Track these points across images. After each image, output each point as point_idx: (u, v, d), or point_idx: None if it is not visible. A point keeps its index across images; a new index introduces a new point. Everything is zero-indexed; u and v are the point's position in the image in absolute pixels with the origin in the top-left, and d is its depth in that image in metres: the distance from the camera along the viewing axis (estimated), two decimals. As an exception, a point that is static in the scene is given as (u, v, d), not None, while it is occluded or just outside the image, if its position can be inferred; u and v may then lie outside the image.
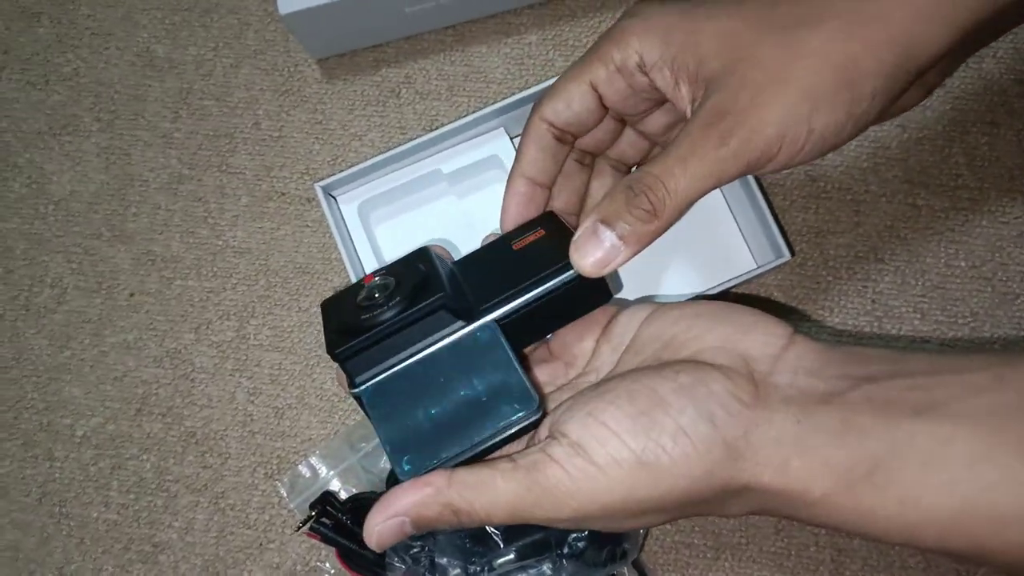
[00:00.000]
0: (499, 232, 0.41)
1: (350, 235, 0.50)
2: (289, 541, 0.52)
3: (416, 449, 0.33)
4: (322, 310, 0.38)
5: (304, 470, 0.51)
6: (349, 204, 0.51)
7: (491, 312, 0.35)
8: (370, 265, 0.50)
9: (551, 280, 0.35)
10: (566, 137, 0.39)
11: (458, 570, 0.42)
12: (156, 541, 0.53)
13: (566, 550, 0.41)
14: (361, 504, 0.47)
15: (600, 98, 0.37)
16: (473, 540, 0.40)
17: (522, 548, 0.41)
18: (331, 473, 0.50)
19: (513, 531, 0.40)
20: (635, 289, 0.50)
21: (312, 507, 0.47)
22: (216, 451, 0.53)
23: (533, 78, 0.56)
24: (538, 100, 0.38)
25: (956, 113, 0.53)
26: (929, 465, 0.27)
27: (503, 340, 0.34)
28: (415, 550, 0.43)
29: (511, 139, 0.51)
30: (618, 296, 0.50)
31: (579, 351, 0.37)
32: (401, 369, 0.35)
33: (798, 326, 0.42)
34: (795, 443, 0.29)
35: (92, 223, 0.57)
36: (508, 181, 0.39)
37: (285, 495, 0.51)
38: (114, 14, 0.60)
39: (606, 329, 0.37)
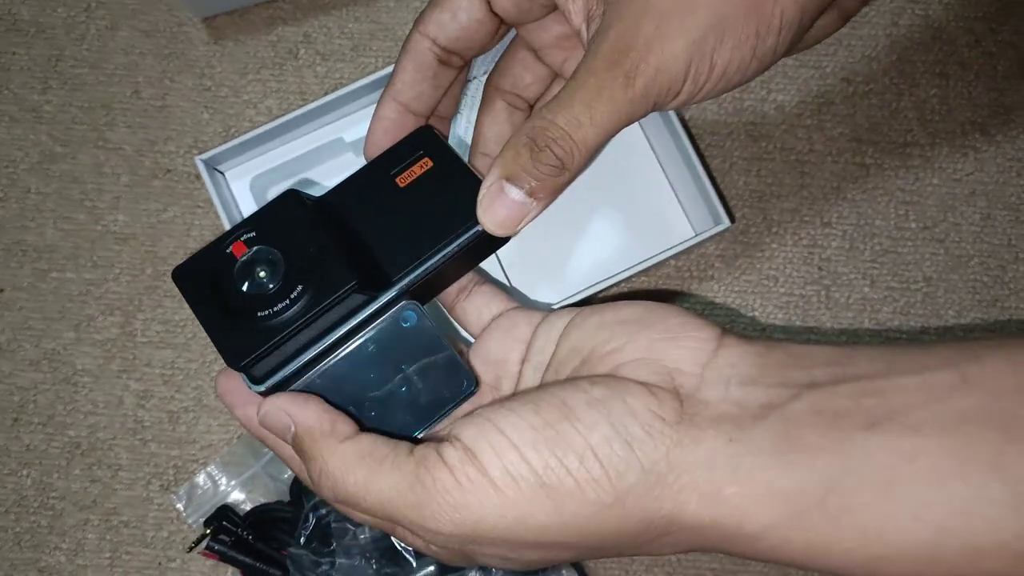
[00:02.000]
0: None
1: (241, 214, 0.45)
2: (191, 560, 0.46)
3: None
4: (182, 287, 0.32)
5: (202, 480, 0.46)
6: (240, 180, 0.45)
7: (401, 282, 0.31)
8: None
9: (460, 239, 0.31)
10: (451, 59, 0.33)
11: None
12: (42, 566, 0.47)
13: (490, 562, 0.36)
14: (264, 517, 0.42)
15: (489, 5, 0.32)
16: (382, 560, 0.36)
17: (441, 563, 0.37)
18: (233, 483, 0.45)
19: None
20: (567, 266, 0.46)
21: (207, 524, 0.41)
22: (105, 463, 0.48)
23: (447, 35, 0.50)
24: (421, 13, 0.33)
25: (904, 65, 0.49)
26: (892, 487, 0.23)
27: (429, 320, 0.31)
28: (323, 567, 0.38)
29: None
30: (543, 299, 0.45)
31: (503, 372, 0.32)
32: (324, 369, 0.31)
33: (737, 321, 0.38)
34: (729, 466, 0.24)
35: (-46, 211, 0.50)
36: (378, 103, 0.34)
37: (182, 509, 0.46)
38: (-31, -28, 0.52)
39: (529, 345, 0.32)
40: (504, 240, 0.32)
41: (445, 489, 0.25)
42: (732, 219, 0.42)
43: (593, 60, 0.28)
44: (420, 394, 0.31)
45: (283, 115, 0.43)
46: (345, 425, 0.28)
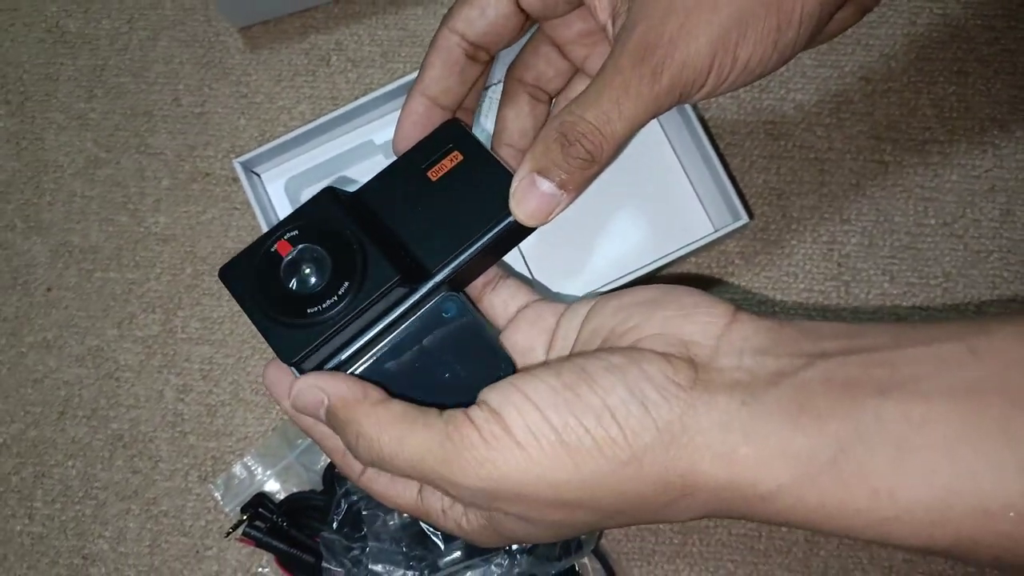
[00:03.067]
0: None
1: (277, 215, 0.47)
2: (227, 548, 0.48)
3: None
4: (229, 285, 0.33)
5: (239, 471, 0.47)
6: (275, 182, 0.47)
7: (440, 274, 0.33)
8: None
9: (494, 230, 0.33)
10: (479, 54, 0.34)
11: (406, 573, 0.38)
12: (86, 553, 0.49)
13: (515, 546, 0.37)
14: (298, 505, 0.44)
15: (517, 1, 0.33)
16: (411, 544, 0.37)
17: (469, 546, 0.38)
18: (268, 473, 0.47)
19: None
20: (589, 261, 0.47)
21: (244, 510, 0.43)
22: (146, 454, 0.50)
23: (473, 41, 0.52)
24: (449, 10, 0.34)
25: (923, 63, 0.50)
26: (903, 451, 0.24)
27: (470, 309, 0.33)
28: (354, 552, 0.39)
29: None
30: (564, 292, 0.46)
31: (530, 360, 0.34)
32: (371, 362, 0.32)
33: (759, 304, 0.38)
34: (742, 428, 0.25)
35: (4, 214, 0.52)
36: (407, 98, 0.35)
37: (219, 498, 0.47)
38: (20, -13, 0.55)
39: (553, 334, 0.33)
40: (531, 229, 0.33)
41: (472, 444, 0.27)
42: (751, 215, 0.43)
43: (620, 57, 0.29)
44: (462, 379, 0.32)
45: (316, 119, 0.45)
46: (375, 391, 0.30)
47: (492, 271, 0.35)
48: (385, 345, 0.33)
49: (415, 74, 0.44)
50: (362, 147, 0.47)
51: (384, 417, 0.29)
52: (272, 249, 0.33)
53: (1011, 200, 0.48)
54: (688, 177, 0.47)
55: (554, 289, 0.46)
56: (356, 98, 0.48)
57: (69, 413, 0.50)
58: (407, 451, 0.28)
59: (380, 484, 0.32)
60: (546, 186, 0.30)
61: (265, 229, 0.44)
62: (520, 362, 0.33)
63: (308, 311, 0.31)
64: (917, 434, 0.24)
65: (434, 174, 0.34)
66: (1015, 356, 0.24)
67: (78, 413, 0.50)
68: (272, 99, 0.52)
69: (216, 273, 0.51)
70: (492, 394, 0.28)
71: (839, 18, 0.32)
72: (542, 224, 0.31)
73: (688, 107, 0.44)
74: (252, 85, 0.52)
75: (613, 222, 0.47)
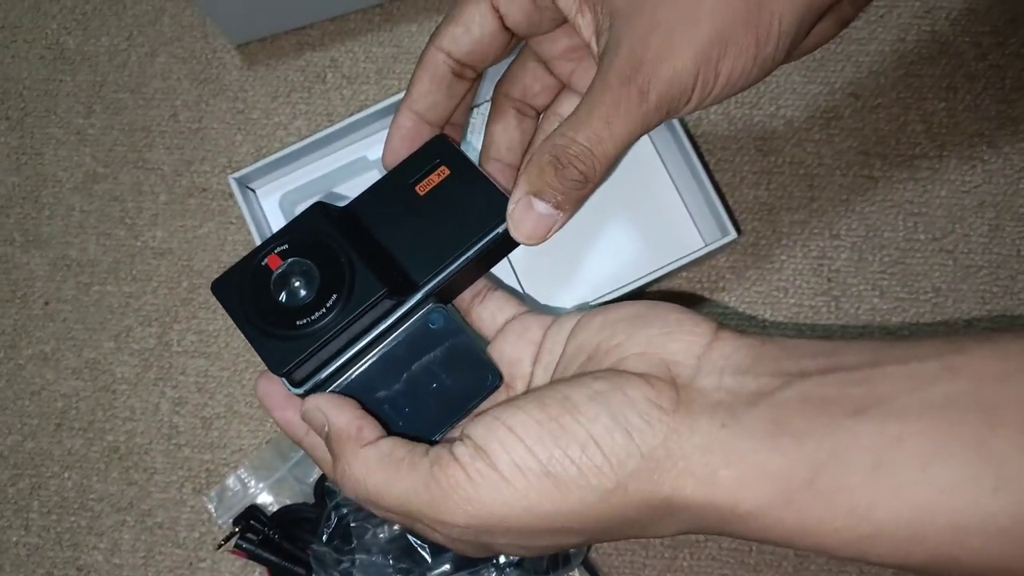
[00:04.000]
0: None
1: (271, 231, 0.47)
2: (221, 560, 0.48)
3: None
4: (222, 299, 0.34)
5: (232, 483, 0.48)
6: (270, 197, 0.48)
7: (427, 286, 0.34)
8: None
9: (480, 243, 0.34)
10: (465, 72, 0.35)
11: (389, 586, 0.39)
12: (81, 564, 0.50)
13: (502, 559, 0.38)
14: (289, 517, 0.44)
15: (502, 19, 0.34)
16: (399, 556, 0.37)
17: (457, 558, 0.38)
18: (261, 485, 0.47)
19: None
20: (579, 276, 0.47)
21: (235, 523, 0.43)
22: (141, 466, 0.50)
23: (467, 57, 0.52)
24: (436, 27, 0.35)
25: (911, 79, 0.50)
26: (879, 469, 0.24)
27: (457, 321, 0.34)
28: (344, 565, 0.40)
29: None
30: (554, 305, 0.47)
31: (517, 372, 0.34)
32: (358, 373, 0.33)
33: (749, 319, 0.39)
34: (722, 450, 0.26)
35: (4, 228, 0.53)
36: (395, 113, 0.36)
37: (213, 511, 0.48)
38: (21, 5, 0.56)
39: (540, 347, 0.34)
40: (516, 243, 0.34)
41: (458, 484, 0.27)
42: (739, 231, 0.44)
43: (608, 75, 0.29)
44: (449, 389, 0.33)
45: (310, 135, 0.45)
46: (371, 431, 0.31)
47: (480, 283, 0.36)
48: (373, 357, 0.33)
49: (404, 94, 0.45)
50: (356, 163, 0.47)
51: (372, 459, 0.29)
52: (263, 263, 0.33)
53: (1000, 215, 0.48)
54: (679, 193, 0.48)
55: (544, 302, 0.47)
56: (351, 114, 0.49)
57: (66, 425, 0.51)
58: (394, 494, 0.28)
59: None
60: (542, 207, 0.31)
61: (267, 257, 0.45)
62: (507, 373, 0.34)
63: (297, 323, 0.32)
64: (892, 451, 0.24)
65: (422, 188, 0.35)
66: (990, 373, 0.24)
67: (74, 425, 0.51)
68: (268, 115, 0.52)
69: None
70: (477, 429, 0.28)
71: (817, 31, 0.33)
72: (538, 243, 0.32)
73: (677, 124, 0.44)
74: (249, 101, 0.53)
75: (604, 236, 0.48)
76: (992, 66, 0.50)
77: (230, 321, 0.50)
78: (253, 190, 0.48)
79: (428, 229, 0.34)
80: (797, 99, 0.50)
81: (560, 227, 0.32)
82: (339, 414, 0.31)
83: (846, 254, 0.49)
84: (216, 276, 0.50)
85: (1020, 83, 0.49)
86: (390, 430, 0.32)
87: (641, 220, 0.48)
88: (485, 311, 0.36)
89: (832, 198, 0.49)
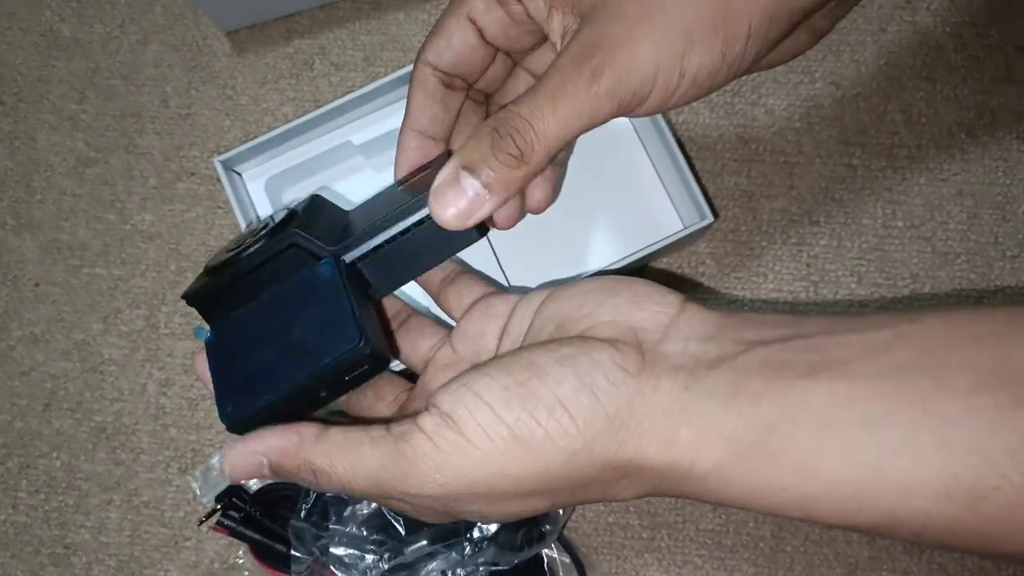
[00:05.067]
0: None
1: (257, 213, 0.48)
2: (206, 539, 0.49)
3: (242, 394, 0.31)
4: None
5: (217, 463, 0.48)
6: (256, 180, 0.48)
7: (346, 252, 0.32)
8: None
9: (405, 219, 0.32)
10: (455, 82, 0.36)
11: (369, 559, 0.39)
12: (68, 542, 0.50)
13: (477, 533, 0.38)
14: (272, 495, 0.45)
15: (481, 33, 0.34)
16: (375, 531, 0.38)
17: (432, 533, 0.39)
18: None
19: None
20: (560, 261, 0.48)
21: (218, 500, 0.44)
22: (128, 446, 0.51)
23: (453, 46, 0.53)
24: (422, 44, 0.35)
25: (891, 69, 0.51)
26: (826, 429, 0.25)
27: (340, 276, 0.31)
28: (323, 541, 0.40)
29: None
30: (521, 284, 0.47)
31: (483, 348, 0.34)
32: (244, 311, 0.33)
33: (729, 304, 0.39)
34: (683, 411, 0.26)
35: (-4, 212, 0.54)
36: (400, 136, 0.36)
37: (197, 490, 0.48)
38: (16, -7, 0.57)
39: (506, 324, 0.34)
40: (470, 237, 0.32)
41: (425, 455, 0.27)
42: (716, 214, 0.44)
43: (561, 58, 0.29)
44: (308, 344, 0.31)
45: (294, 115, 0.46)
46: (307, 427, 0.30)
47: (450, 267, 0.36)
48: (262, 297, 0.33)
49: (393, 75, 0.45)
50: (341, 148, 0.48)
51: (330, 448, 0.29)
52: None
53: (978, 204, 0.49)
54: (660, 178, 0.48)
55: (523, 283, 0.47)
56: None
57: (55, 405, 0.52)
58: (362, 476, 0.29)
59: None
60: (470, 184, 0.28)
61: (244, 227, 0.45)
62: (472, 348, 0.34)
63: (226, 260, 0.33)
64: (841, 411, 0.25)
65: (402, 183, 0.36)
66: (940, 340, 0.25)
67: (63, 406, 0.52)
68: (256, 101, 0.53)
69: (199, 270, 0.52)
70: (443, 396, 0.28)
71: (790, 43, 0.33)
72: (458, 227, 0.29)
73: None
74: (237, 88, 0.54)
75: (583, 221, 0.48)
76: (971, 57, 0.50)
77: (217, 303, 0.51)
78: (239, 173, 0.48)
79: (377, 211, 0.34)
80: (778, 88, 0.51)
81: (485, 214, 0.29)
82: (266, 440, 0.30)
83: (825, 240, 0.49)
84: (204, 259, 0.51)
85: (999, 74, 0.50)
86: (249, 375, 0.31)
87: (621, 205, 0.48)
88: (453, 293, 0.36)
89: (812, 186, 0.50)
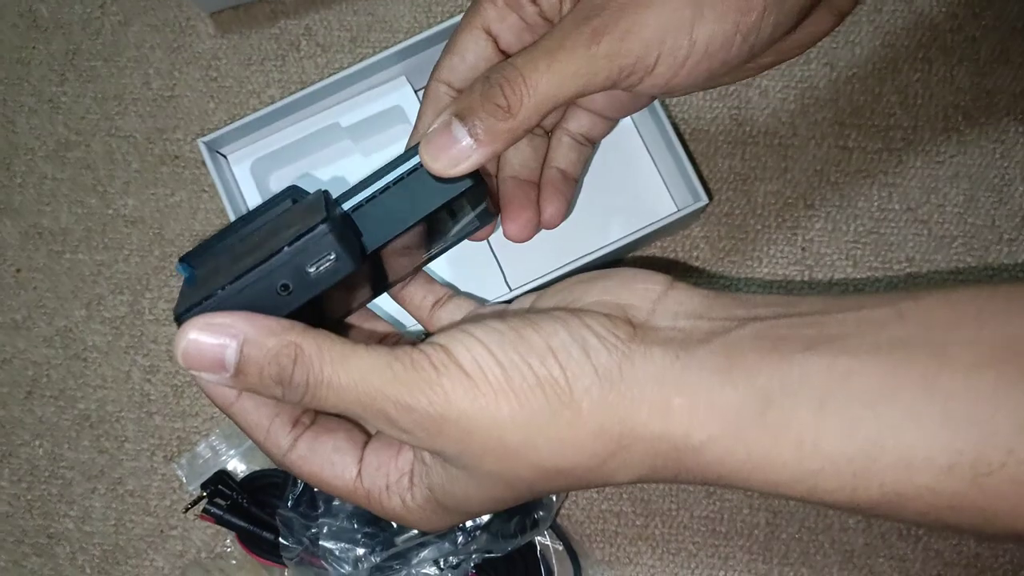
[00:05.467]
0: None
1: (243, 196, 0.47)
2: (192, 527, 0.48)
3: (199, 291, 0.28)
4: None
5: (203, 450, 0.48)
6: (241, 163, 0.47)
7: (341, 202, 0.31)
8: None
9: (397, 168, 0.30)
10: None
11: (358, 551, 0.38)
12: (52, 532, 0.49)
13: (469, 523, 0.38)
14: (259, 483, 0.44)
15: (496, 42, 0.34)
16: (365, 523, 0.37)
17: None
18: (232, 452, 0.47)
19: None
20: (555, 240, 0.47)
21: (204, 488, 0.43)
22: (112, 434, 0.50)
23: (442, 26, 0.52)
24: (437, 61, 0.35)
25: (887, 50, 0.50)
26: (827, 403, 0.24)
27: (327, 198, 0.30)
28: (313, 530, 0.39)
29: (415, 92, 0.48)
30: (514, 267, 0.46)
31: None
32: (225, 244, 0.31)
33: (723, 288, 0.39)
34: (675, 381, 0.26)
35: (-24, 197, 0.53)
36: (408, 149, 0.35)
37: (183, 478, 0.48)
38: (-6, -28, 0.55)
39: None
40: (463, 186, 0.30)
41: (422, 367, 0.26)
42: (710, 197, 0.43)
43: (564, 20, 0.29)
44: (277, 236, 0.29)
45: (280, 97, 0.45)
46: (300, 324, 0.27)
47: (440, 291, 0.35)
48: (243, 229, 0.31)
49: (380, 56, 0.44)
50: (329, 129, 0.47)
51: (320, 339, 0.26)
52: None
53: (974, 186, 0.48)
54: (655, 162, 0.48)
55: (516, 268, 0.47)
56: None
57: (37, 393, 0.51)
58: (353, 375, 0.26)
59: (313, 463, 0.29)
60: (459, 132, 0.28)
61: (230, 210, 0.45)
62: None
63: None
64: (841, 386, 0.24)
65: None
66: (940, 318, 0.24)
67: (46, 393, 0.51)
68: (241, 83, 0.52)
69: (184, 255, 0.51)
70: (441, 335, 0.28)
71: (812, 24, 0.32)
72: (446, 174, 0.29)
73: (650, 90, 0.44)
74: (222, 69, 0.52)
75: (579, 204, 0.47)
76: (967, 38, 0.50)
77: (202, 289, 0.50)
78: (224, 156, 0.47)
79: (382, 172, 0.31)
80: (772, 69, 0.50)
81: (472, 166, 0.29)
82: (241, 315, 0.26)
83: (820, 224, 0.48)
84: (189, 245, 0.51)
85: (994, 55, 0.49)
86: (216, 272, 0.29)
87: (615, 189, 0.48)
88: (444, 313, 0.35)
89: (806, 168, 0.49)
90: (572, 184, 0.39)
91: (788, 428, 0.24)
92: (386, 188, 0.30)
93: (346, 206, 0.30)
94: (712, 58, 0.29)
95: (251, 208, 0.33)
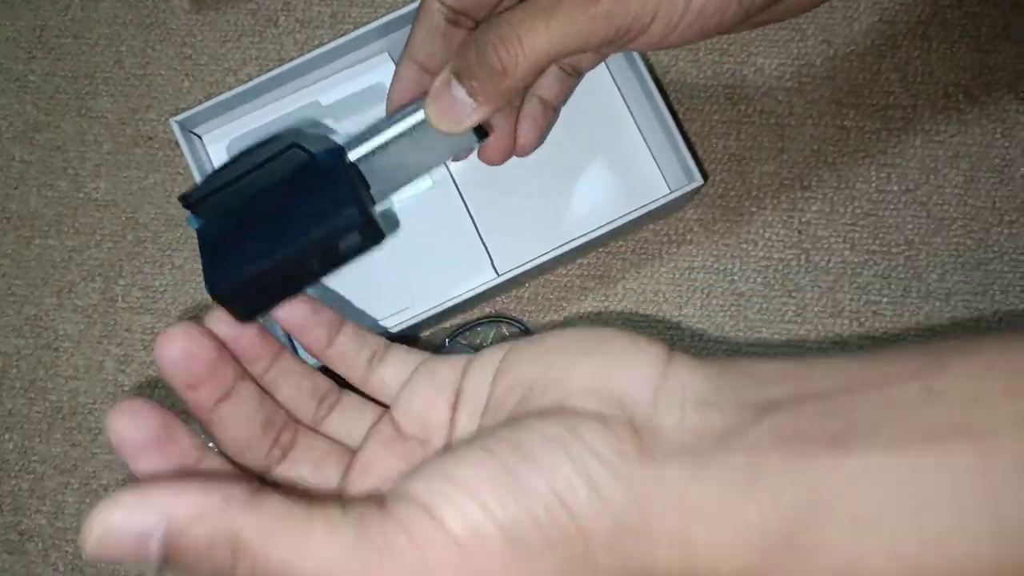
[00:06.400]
0: None
1: (218, 177, 0.45)
2: (169, 522, 0.47)
3: (232, 265, 0.28)
4: None
5: (179, 442, 0.46)
6: (217, 143, 0.46)
7: (350, 151, 0.32)
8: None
9: (405, 120, 0.31)
10: (461, 20, 0.34)
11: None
12: (23, 528, 0.48)
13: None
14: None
15: None
16: None
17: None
18: (210, 445, 0.45)
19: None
20: (542, 225, 0.45)
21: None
22: (85, 427, 0.48)
23: None
24: None
25: (885, 26, 0.48)
26: (860, 518, 0.21)
27: (341, 161, 0.31)
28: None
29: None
30: (503, 256, 0.45)
31: (432, 423, 0.28)
32: (236, 197, 0.30)
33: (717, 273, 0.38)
34: (695, 506, 0.22)
35: (-60, 180, 0.51)
36: (397, 66, 0.36)
37: (159, 471, 0.46)
38: (-43, -55, 0.53)
39: (459, 392, 0.28)
40: (470, 140, 0.31)
41: (400, 551, 0.21)
42: (705, 177, 0.42)
43: None
44: (306, 211, 0.29)
45: (258, 75, 0.43)
46: (238, 489, 0.22)
47: (376, 343, 0.31)
48: (256, 186, 0.30)
49: (360, 31, 0.43)
50: (308, 108, 0.45)
51: (265, 519, 0.21)
52: None
53: (974, 167, 0.47)
54: (646, 142, 0.46)
55: (505, 254, 0.45)
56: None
57: (6, 384, 0.49)
58: (309, 566, 0.21)
59: None
60: (459, 91, 0.29)
61: None
62: (419, 425, 0.29)
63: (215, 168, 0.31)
64: (877, 495, 0.21)
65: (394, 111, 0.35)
66: (975, 393, 0.22)
67: (15, 384, 0.49)
68: (217, 61, 0.50)
69: (158, 240, 0.49)
70: (418, 484, 0.23)
71: None
72: (451, 131, 0.30)
73: (643, 68, 0.42)
74: (197, 47, 0.50)
75: (566, 185, 0.46)
76: (968, 14, 0.48)
77: (177, 276, 0.49)
78: (199, 135, 0.45)
79: (383, 122, 0.32)
80: (768, 46, 0.49)
81: (476, 119, 0.30)
82: (174, 496, 0.21)
83: (817, 206, 0.47)
84: (164, 230, 0.49)
85: (996, 32, 0.48)
86: (238, 249, 0.29)
87: (605, 169, 0.46)
88: (386, 369, 0.30)
89: (803, 148, 0.47)
90: (551, 115, 0.40)
91: (821, 554, 0.21)
92: (396, 139, 0.31)
93: (353, 156, 0.31)
94: (706, 19, 0.28)
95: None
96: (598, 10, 0.27)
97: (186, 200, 0.30)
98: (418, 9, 0.35)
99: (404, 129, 0.31)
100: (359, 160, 0.31)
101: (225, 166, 0.30)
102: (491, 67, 0.28)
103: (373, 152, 0.31)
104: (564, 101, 0.41)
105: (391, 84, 0.36)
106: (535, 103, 0.39)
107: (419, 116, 0.31)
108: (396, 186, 0.33)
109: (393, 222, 0.45)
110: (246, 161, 0.30)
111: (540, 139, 0.40)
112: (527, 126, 0.39)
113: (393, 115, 0.32)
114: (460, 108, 0.29)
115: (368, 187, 0.32)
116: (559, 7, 0.27)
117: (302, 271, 0.29)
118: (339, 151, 0.31)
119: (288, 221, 0.29)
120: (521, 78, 0.28)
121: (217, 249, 0.30)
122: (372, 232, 0.29)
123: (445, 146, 0.32)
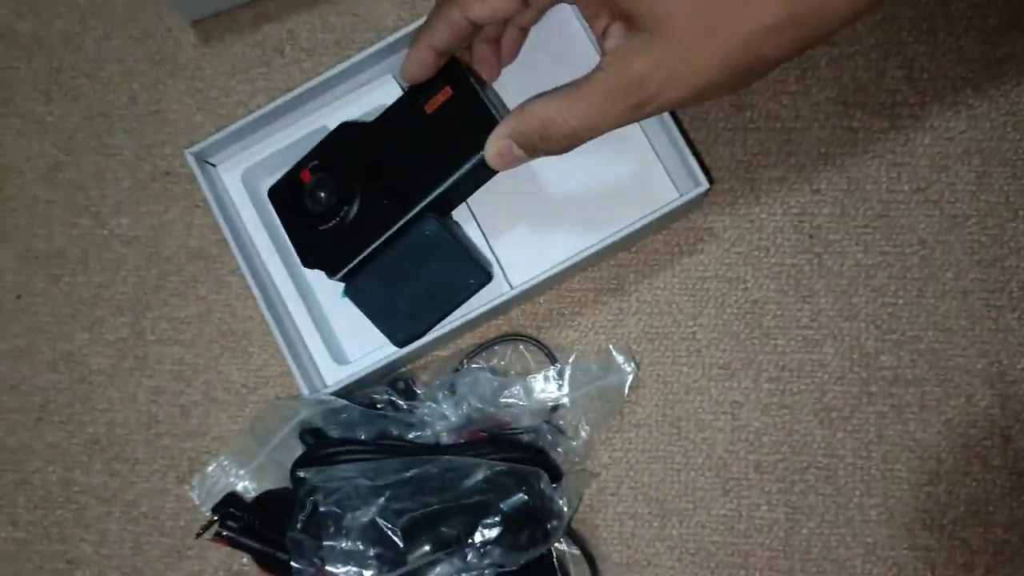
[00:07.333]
0: None
1: (235, 207, 0.46)
2: (209, 547, 0.48)
3: (405, 323, 0.43)
4: (274, 204, 0.45)
5: (214, 471, 0.47)
6: (231, 172, 0.47)
7: (423, 200, 0.42)
8: (260, 240, 0.46)
9: (465, 167, 0.41)
10: (479, 26, 0.40)
11: (369, 574, 0.38)
12: (70, 557, 0.50)
13: (479, 538, 0.37)
14: (270, 503, 0.44)
15: None
16: (373, 543, 0.37)
17: (436, 541, 0.38)
18: (243, 472, 0.47)
19: (414, 528, 0.37)
20: (549, 236, 0.46)
21: (214, 511, 0.43)
22: (122, 457, 0.50)
23: (429, 23, 0.51)
24: None
25: (890, 22, 0.48)
26: None
27: (446, 229, 0.42)
28: (322, 551, 0.39)
29: (402, 89, 0.46)
30: (513, 264, 0.46)
31: None
32: (366, 268, 0.43)
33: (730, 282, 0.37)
34: None
35: (-31, 223, 0.52)
36: (413, 44, 0.41)
37: (196, 499, 0.47)
38: (-30, -9, 0.54)
39: None
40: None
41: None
42: (711, 180, 0.42)
43: (610, 80, 0.34)
44: (443, 284, 0.43)
45: (268, 104, 0.44)
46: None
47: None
48: (384, 255, 0.43)
49: (360, 56, 0.44)
50: (317, 133, 0.46)
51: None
52: (298, 176, 0.44)
53: (986, 162, 0.47)
54: (654, 150, 0.46)
55: (515, 261, 0.46)
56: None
57: (46, 419, 0.50)
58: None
59: None
60: (517, 152, 0.38)
61: (222, 223, 0.44)
62: None
63: (320, 228, 0.43)
64: None
65: (429, 107, 0.42)
66: None
67: (54, 419, 0.50)
68: (227, 93, 0.51)
69: (181, 273, 0.51)
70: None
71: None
72: (502, 170, 0.40)
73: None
74: (207, 79, 0.51)
75: (577, 196, 0.46)
76: (974, 5, 0.48)
77: (202, 307, 0.50)
78: (213, 165, 0.46)
79: (429, 149, 0.42)
80: (772, 50, 0.48)
81: (518, 164, 0.39)
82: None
83: (827, 209, 0.47)
84: (186, 262, 0.51)
85: (1004, 22, 0.47)
86: (401, 312, 0.43)
87: (614, 179, 0.46)
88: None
89: (811, 152, 0.47)
90: (526, 35, 0.45)
91: None
92: (461, 177, 0.42)
93: (430, 198, 0.42)
94: (703, 100, 0.35)
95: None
96: (642, 114, 0.34)
97: (308, 263, 0.44)
98: (438, 5, 0.39)
99: (467, 170, 0.41)
100: (432, 201, 0.42)
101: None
102: (549, 145, 0.37)
103: (445, 191, 0.42)
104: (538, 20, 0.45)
105: (408, 59, 0.41)
106: (515, 32, 0.44)
107: (476, 159, 0.40)
108: (460, 202, 0.45)
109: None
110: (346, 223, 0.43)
111: (515, 56, 0.46)
112: (507, 51, 0.45)
113: (454, 156, 0.41)
114: (517, 160, 0.39)
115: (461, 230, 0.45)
116: (611, 113, 0.34)
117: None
118: (437, 219, 0.42)
119: (435, 288, 0.43)
120: (560, 151, 0.37)
121: (378, 311, 0.44)
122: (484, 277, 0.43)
123: (490, 173, 0.42)
